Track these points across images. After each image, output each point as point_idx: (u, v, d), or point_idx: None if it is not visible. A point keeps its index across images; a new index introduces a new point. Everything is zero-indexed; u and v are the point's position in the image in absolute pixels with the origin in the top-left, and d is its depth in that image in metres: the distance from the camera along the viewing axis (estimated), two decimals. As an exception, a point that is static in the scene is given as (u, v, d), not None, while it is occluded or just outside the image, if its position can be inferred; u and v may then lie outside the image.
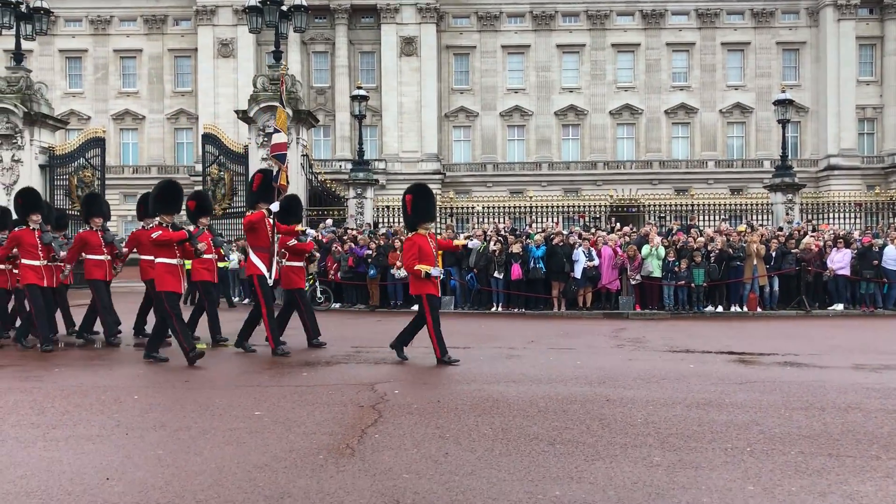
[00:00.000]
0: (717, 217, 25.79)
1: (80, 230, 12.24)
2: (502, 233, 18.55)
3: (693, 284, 16.80)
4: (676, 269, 16.86)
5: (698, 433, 5.73)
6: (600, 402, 6.95)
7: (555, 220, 25.14)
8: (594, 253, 16.96)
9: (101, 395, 7.27)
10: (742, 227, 20.13)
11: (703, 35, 53.02)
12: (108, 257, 11.38)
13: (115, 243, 11.67)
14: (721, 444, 5.38)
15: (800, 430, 5.83)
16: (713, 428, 5.88)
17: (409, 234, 9.74)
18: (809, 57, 52.47)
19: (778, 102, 27.40)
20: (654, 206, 27.61)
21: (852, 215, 26.11)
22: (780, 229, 20.00)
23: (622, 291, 17.21)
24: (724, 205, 27.87)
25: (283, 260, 10.75)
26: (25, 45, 26.88)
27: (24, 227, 10.79)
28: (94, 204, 11.79)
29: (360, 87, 28.80)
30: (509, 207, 27.96)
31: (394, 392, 7.37)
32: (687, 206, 26.92)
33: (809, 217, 25.29)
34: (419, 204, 9.60)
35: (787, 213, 24.73)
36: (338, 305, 18.40)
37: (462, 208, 27.91)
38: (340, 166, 45.69)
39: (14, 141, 24.29)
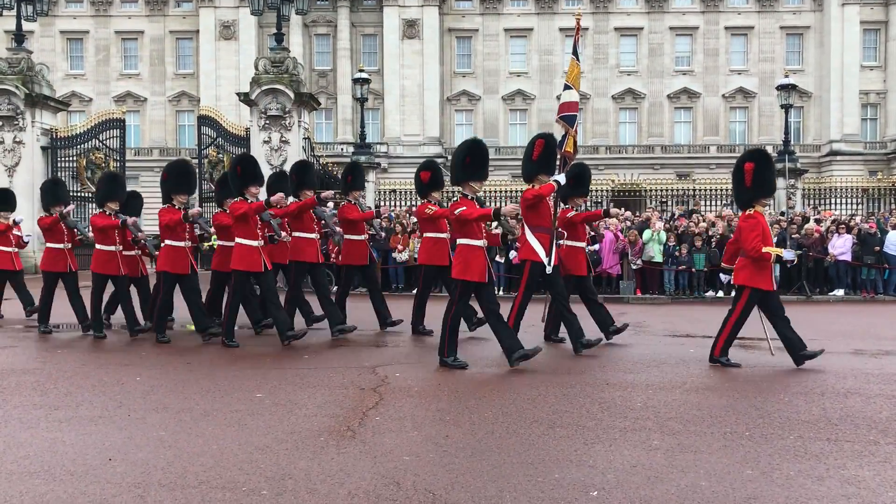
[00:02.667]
0: (719, 202, 25.77)
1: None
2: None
3: (694, 269, 16.82)
4: (677, 253, 16.87)
5: (698, 417, 5.75)
6: (600, 385, 6.97)
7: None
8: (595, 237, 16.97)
9: (103, 377, 7.30)
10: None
11: (707, 19, 52.74)
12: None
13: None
14: (720, 429, 5.40)
15: (799, 414, 5.85)
16: (712, 412, 5.90)
17: (749, 211, 7.89)
18: (813, 41, 52.19)
19: (781, 87, 27.31)
20: (656, 190, 27.59)
21: (854, 201, 26.09)
22: (783, 214, 19.98)
23: (623, 276, 17.23)
24: (726, 190, 27.81)
25: (563, 240, 9.22)
26: (26, 26, 26.80)
27: (241, 199, 9.24)
28: (280, 180, 10.61)
29: (362, 70, 28.76)
30: (511, 192, 27.95)
31: (395, 375, 7.40)
32: (689, 190, 26.91)
33: (815, 203, 25.28)
34: (762, 174, 7.85)
35: (790, 199, 24.70)
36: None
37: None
38: (342, 149, 45.59)
39: (15, 122, 24.25)
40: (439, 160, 51.75)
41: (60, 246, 10.55)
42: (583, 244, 9.50)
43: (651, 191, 27.45)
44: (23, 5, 24.46)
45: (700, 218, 19.19)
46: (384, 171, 41.47)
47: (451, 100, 53.80)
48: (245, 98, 23.75)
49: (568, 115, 9.01)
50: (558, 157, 8.82)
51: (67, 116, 41.65)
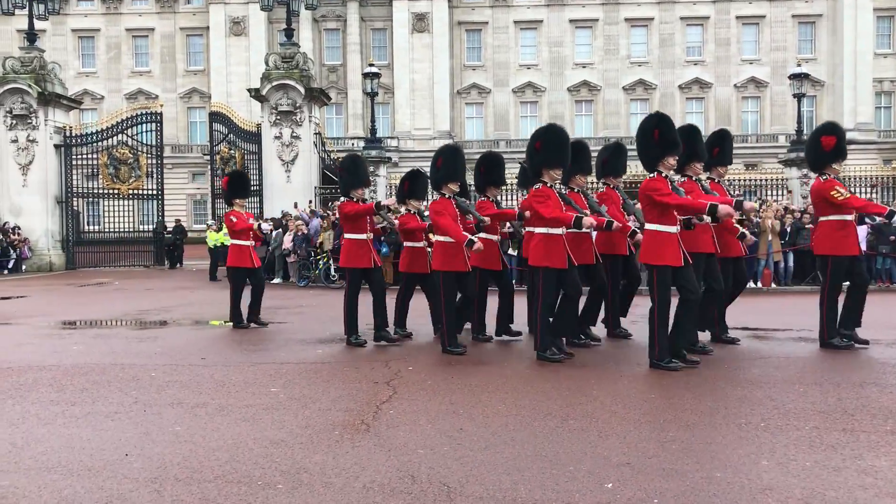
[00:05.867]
0: (731, 192, 25.61)
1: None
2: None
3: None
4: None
5: (712, 408, 5.73)
6: (614, 377, 6.96)
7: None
8: (607, 229, 16.91)
9: (118, 373, 7.34)
10: (756, 203, 19.97)
11: (718, 8, 52.43)
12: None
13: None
14: (735, 420, 5.38)
15: (814, 405, 5.82)
16: (727, 403, 5.88)
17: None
18: (826, 30, 51.79)
19: (793, 76, 27.12)
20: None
21: (869, 190, 25.89)
22: (786, 209, 19.82)
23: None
24: (739, 180, 27.71)
25: None
26: (38, 24, 27.01)
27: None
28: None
29: (372, 65, 28.75)
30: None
31: (408, 369, 7.41)
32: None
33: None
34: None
35: (803, 188, 24.53)
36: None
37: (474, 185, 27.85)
38: (353, 144, 45.68)
39: (29, 121, 24.44)
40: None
41: (363, 237, 9.04)
42: None
43: (663, 182, 27.36)
44: (35, 4, 24.62)
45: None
46: (395, 165, 41.43)
47: (461, 93, 53.74)
48: (256, 94, 23.83)
49: None
50: None
51: (79, 114, 41.86)
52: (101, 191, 26.54)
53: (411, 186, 9.40)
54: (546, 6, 53.02)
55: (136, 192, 26.35)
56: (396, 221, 9.31)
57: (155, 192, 26.54)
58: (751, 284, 16.80)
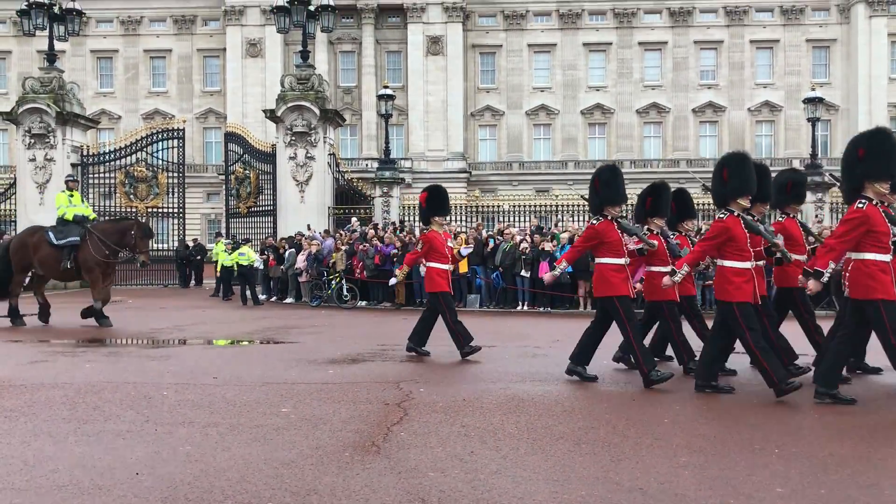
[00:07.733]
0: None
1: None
2: (528, 231, 18.53)
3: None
4: (704, 269, 16.69)
5: (726, 433, 5.68)
6: (627, 401, 6.91)
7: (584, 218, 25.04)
8: (621, 252, 16.85)
9: (130, 391, 7.35)
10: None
11: (732, 33, 52.56)
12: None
13: None
14: (749, 445, 5.33)
15: (829, 430, 5.76)
16: (741, 428, 5.82)
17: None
18: (840, 54, 51.80)
19: (808, 101, 27.10)
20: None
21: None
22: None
23: (649, 291, 17.07)
24: (753, 205, 27.58)
25: None
26: (58, 45, 27.36)
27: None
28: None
29: (386, 87, 28.95)
30: (535, 206, 27.91)
31: (419, 390, 7.39)
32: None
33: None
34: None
35: (816, 215, 24.44)
36: (364, 303, 18.50)
37: (488, 207, 27.95)
38: (367, 165, 45.88)
39: (47, 140, 24.72)
40: (462, 175, 51.82)
41: (622, 261, 7.90)
42: None
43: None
44: (55, 26, 24.93)
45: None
46: (408, 186, 41.53)
47: (474, 115, 53.98)
48: (271, 115, 24.01)
49: None
50: None
51: (97, 134, 42.31)
52: (117, 209, 26.75)
53: (654, 202, 8.31)
54: (560, 30, 53.30)
55: (153, 210, 26.54)
56: (655, 242, 8.14)
57: (176, 209, 26.70)
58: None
